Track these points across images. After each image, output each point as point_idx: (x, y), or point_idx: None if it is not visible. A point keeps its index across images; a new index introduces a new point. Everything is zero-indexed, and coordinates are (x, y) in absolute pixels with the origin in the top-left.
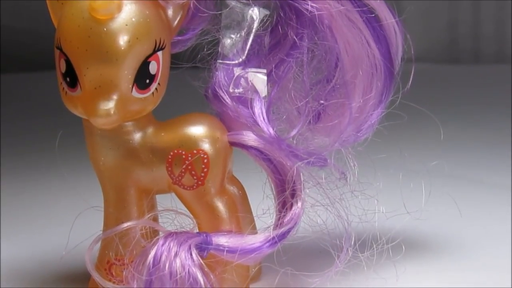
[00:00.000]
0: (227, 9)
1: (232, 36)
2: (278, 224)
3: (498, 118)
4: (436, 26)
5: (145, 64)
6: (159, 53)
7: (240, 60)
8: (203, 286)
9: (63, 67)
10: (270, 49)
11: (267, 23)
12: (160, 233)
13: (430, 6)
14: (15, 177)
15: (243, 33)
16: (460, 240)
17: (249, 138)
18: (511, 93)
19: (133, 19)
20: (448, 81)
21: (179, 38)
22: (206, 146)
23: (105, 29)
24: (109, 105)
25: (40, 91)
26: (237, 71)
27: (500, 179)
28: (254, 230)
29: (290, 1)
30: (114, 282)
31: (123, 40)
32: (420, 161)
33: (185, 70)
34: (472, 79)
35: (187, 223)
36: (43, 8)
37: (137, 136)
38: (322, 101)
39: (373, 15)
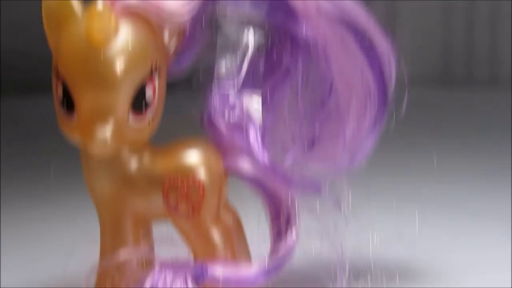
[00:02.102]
0: (223, 36)
1: (227, 62)
2: (273, 253)
3: (492, 142)
4: (430, 50)
5: (141, 89)
6: (155, 79)
7: (235, 86)
8: None
9: (60, 92)
10: (265, 75)
11: (262, 50)
12: (156, 261)
13: (424, 29)
14: (12, 202)
15: (238, 60)
16: (455, 269)
17: (244, 165)
18: (505, 116)
19: (130, 45)
20: (442, 105)
21: (175, 64)
22: (201, 174)
23: (102, 54)
24: (106, 131)
25: (38, 115)
26: (232, 97)
27: (495, 206)
28: (249, 259)
29: (285, 28)
30: None
31: (119, 65)
32: (414, 188)
33: (181, 96)
34: (465, 103)
35: (183, 252)
36: (40, 30)
37: (133, 164)
38: (316, 128)
39: (367, 41)
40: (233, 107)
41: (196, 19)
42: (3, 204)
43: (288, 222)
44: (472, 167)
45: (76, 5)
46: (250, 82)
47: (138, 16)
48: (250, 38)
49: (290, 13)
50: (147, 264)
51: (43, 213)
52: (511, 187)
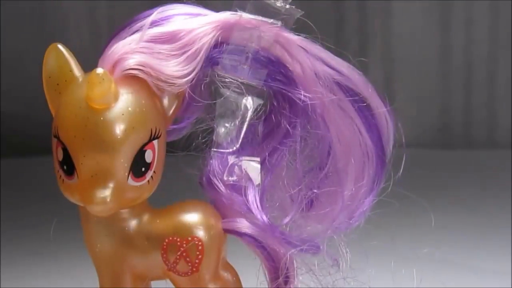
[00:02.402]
0: (222, 99)
1: (226, 124)
2: None
3: (490, 203)
4: (428, 113)
5: (140, 152)
6: (155, 142)
7: (234, 148)
8: None
9: (60, 155)
10: (264, 137)
11: (261, 112)
12: None
13: (422, 93)
14: (13, 262)
15: (237, 122)
16: None
17: (243, 225)
18: (503, 178)
19: (129, 109)
20: (440, 167)
21: (174, 126)
22: (200, 233)
23: (101, 118)
24: (106, 193)
25: (38, 176)
26: (231, 159)
27: (493, 264)
28: None
29: (284, 91)
30: None
31: (119, 129)
32: (412, 248)
33: (180, 158)
34: (463, 165)
35: None
36: (40, 94)
37: (133, 223)
38: (314, 189)
39: (365, 104)
40: (232, 168)
41: (195, 83)
42: (4, 263)
43: (287, 280)
44: (470, 227)
45: (76, 69)
46: (249, 144)
47: (138, 80)
48: (249, 101)
49: (288, 78)
50: None
51: (43, 272)
52: (511, 246)
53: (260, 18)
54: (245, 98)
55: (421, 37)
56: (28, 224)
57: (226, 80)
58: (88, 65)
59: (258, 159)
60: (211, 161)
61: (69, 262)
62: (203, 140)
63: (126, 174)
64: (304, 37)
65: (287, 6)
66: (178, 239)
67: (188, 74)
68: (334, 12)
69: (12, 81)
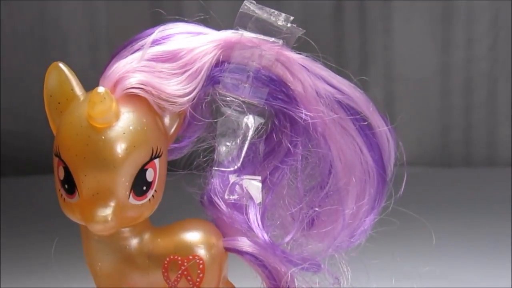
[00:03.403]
0: (223, 118)
1: (228, 143)
2: None
3: (490, 220)
4: (428, 131)
5: (142, 171)
6: (156, 161)
7: (235, 167)
8: None
9: (61, 174)
10: (265, 156)
11: (262, 131)
12: None
13: (422, 111)
14: (14, 280)
15: (238, 141)
16: None
17: (244, 243)
18: (502, 196)
19: (131, 127)
20: (440, 185)
21: (176, 145)
22: (201, 252)
23: (103, 137)
24: (107, 211)
25: (38, 195)
26: (232, 178)
27: (494, 282)
28: None
29: (285, 110)
30: None
31: (120, 148)
32: (413, 266)
33: (181, 177)
34: (463, 182)
35: None
36: (40, 112)
37: (134, 241)
38: (315, 208)
39: (366, 123)
40: (233, 187)
41: (196, 102)
42: (4, 282)
43: None
44: (470, 245)
45: (77, 88)
46: (250, 163)
47: (140, 99)
48: (250, 119)
49: (290, 97)
50: None
51: None
52: (511, 264)
53: (261, 36)
54: (246, 116)
55: (421, 56)
56: (29, 242)
57: (227, 98)
58: (88, 84)
59: (259, 177)
60: (212, 180)
61: (70, 281)
62: (204, 159)
63: (128, 193)
64: (305, 56)
65: (289, 25)
66: (179, 258)
67: (190, 93)
68: (335, 31)
69: (13, 99)
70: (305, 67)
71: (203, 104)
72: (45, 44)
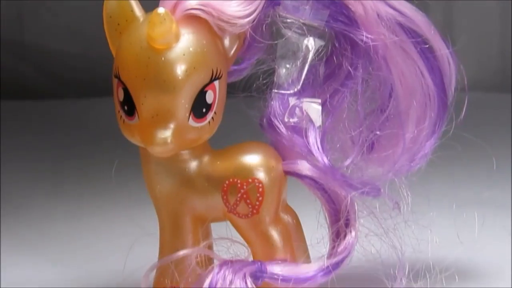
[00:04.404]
0: (283, 39)
1: (287, 66)
2: (332, 253)
3: None
4: (489, 56)
5: (201, 93)
6: (216, 83)
7: (295, 89)
8: None
9: (121, 95)
10: (325, 79)
11: (322, 53)
12: (215, 261)
13: (483, 36)
14: (77, 202)
15: (298, 63)
16: None
17: (304, 167)
18: None
19: (191, 49)
20: (502, 110)
21: (235, 67)
22: (261, 175)
23: (163, 58)
24: (166, 133)
25: (95, 117)
26: (292, 100)
27: None
28: (308, 259)
29: (345, 32)
30: None
31: (180, 69)
32: (474, 191)
33: (241, 99)
34: None
35: (242, 251)
36: (97, 33)
37: (193, 164)
38: (376, 131)
39: (427, 46)
40: (292, 110)
41: (256, 23)
42: (68, 203)
43: (347, 223)
44: None
45: (137, 9)
46: (310, 85)
47: (199, 20)
48: (310, 42)
49: (350, 19)
50: (207, 263)
51: (102, 211)
52: None
53: None
54: (306, 39)
55: None
56: (89, 164)
57: (288, 20)
58: (147, 7)
59: (319, 100)
60: (272, 103)
61: (130, 204)
62: (264, 82)
63: (187, 114)
64: None
65: None
66: (239, 181)
67: (250, 14)
68: None
69: (71, 20)
70: None
71: (263, 26)
72: None
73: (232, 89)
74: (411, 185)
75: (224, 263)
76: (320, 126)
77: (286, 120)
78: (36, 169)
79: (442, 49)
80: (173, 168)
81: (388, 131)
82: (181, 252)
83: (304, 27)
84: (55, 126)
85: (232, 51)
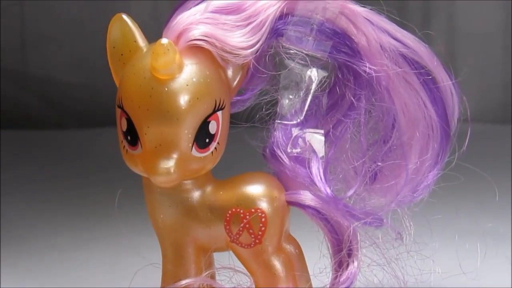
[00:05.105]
0: (286, 70)
1: (291, 96)
2: (334, 283)
3: None
4: (491, 87)
5: (205, 123)
6: (219, 113)
7: (298, 120)
8: None
9: (124, 125)
10: (328, 109)
11: (325, 84)
12: None
13: (485, 68)
14: (77, 231)
15: (301, 94)
16: None
17: (307, 197)
18: None
19: (194, 79)
20: (504, 142)
21: (238, 98)
22: (264, 205)
23: (166, 89)
24: (169, 163)
25: (98, 147)
26: (295, 131)
27: None
28: None
29: (348, 63)
30: None
31: (183, 99)
32: (476, 222)
33: (244, 130)
34: None
35: (245, 281)
36: (100, 63)
37: (196, 194)
38: (378, 162)
39: (430, 77)
40: (295, 140)
41: (260, 54)
42: (67, 233)
43: (350, 253)
44: None
45: (141, 39)
46: (313, 116)
47: (203, 51)
48: (313, 73)
49: (354, 50)
50: None
51: (105, 241)
52: None
53: None
54: (309, 69)
55: (485, 10)
56: (92, 194)
57: (291, 51)
58: (149, 37)
59: (322, 131)
60: (275, 133)
61: (132, 234)
62: (267, 112)
63: (190, 145)
64: (370, 9)
65: None
66: (242, 211)
67: (253, 45)
68: None
69: (75, 51)
70: (369, 20)
71: (267, 57)
72: None
73: (235, 119)
74: (414, 215)
75: None
76: (323, 156)
77: (289, 150)
78: (37, 199)
79: (445, 80)
80: (176, 198)
81: (391, 162)
82: (184, 282)
83: (307, 58)
84: (57, 156)
85: (235, 82)
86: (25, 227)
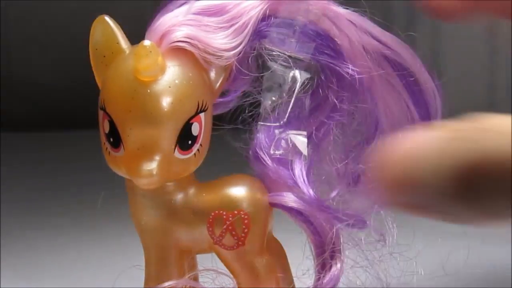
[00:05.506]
0: (269, 72)
1: (273, 98)
2: (317, 285)
3: None
4: (476, 89)
5: (187, 125)
6: (202, 115)
7: (281, 122)
8: None
9: (106, 127)
10: (311, 111)
11: (308, 86)
12: None
13: (469, 70)
14: (61, 231)
15: (284, 96)
16: None
17: (289, 199)
18: None
19: (177, 81)
20: None
21: (221, 99)
22: (246, 207)
23: (148, 90)
24: (152, 165)
25: (81, 149)
26: (278, 133)
27: None
28: None
29: (331, 65)
30: None
31: (166, 101)
32: (460, 224)
33: (227, 131)
34: None
35: (228, 282)
36: (85, 66)
37: (179, 196)
38: (361, 164)
39: (413, 79)
40: (278, 142)
41: (242, 56)
42: (50, 235)
43: (333, 255)
44: None
45: (123, 41)
46: (296, 118)
47: (185, 53)
48: (296, 74)
49: (336, 52)
50: None
51: (87, 243)
52: None
53: None
54: (292, 71)
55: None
56: (74, 196)
57: (274, 53)
58: (132, 39)
59: (305, 133)
60: (258, 135)
61: (115, 236)
62: (250, 114)
63: (173, 147)
64: (353, 11)
65: None
66: (224, 213)
67: (236, 47)
68: None
69: (56, 54)
70: (352, 22)
71: (249, 59)
72: None
73: (218, 121)
74: (397, 217)
75: None
76: (305, 158)
77: (272, 152)
78: (20, 200)
79: (428, 82)
80: (159, 200)
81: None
82: (166, 284)
83: (290, 60)
84: (41, 158)
85: (218, 84)
86: (5, 230)
